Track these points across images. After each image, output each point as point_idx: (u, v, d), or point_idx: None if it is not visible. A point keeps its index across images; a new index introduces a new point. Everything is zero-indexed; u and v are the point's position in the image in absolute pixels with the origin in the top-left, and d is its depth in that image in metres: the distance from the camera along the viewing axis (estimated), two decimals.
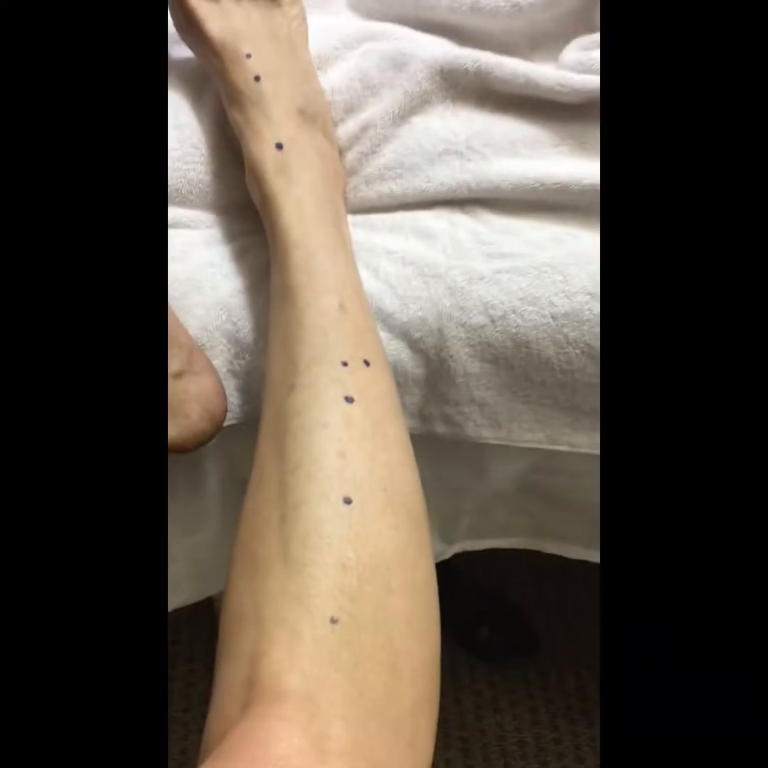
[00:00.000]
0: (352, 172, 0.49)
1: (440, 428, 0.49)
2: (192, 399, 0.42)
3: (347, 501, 0.33)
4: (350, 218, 0.48)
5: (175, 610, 0.58)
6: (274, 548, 0.32)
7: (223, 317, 0.45)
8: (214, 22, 0.47)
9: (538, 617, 0.99)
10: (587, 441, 0.49)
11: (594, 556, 0.64)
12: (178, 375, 0.42)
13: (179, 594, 0.57)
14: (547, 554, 0.66)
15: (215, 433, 0.44)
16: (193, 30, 0.48)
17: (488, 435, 0.49)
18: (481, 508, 0.60)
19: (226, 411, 0.44)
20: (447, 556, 0.64)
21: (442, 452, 0.51)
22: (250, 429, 0.46)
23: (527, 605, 1.00)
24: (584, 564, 0.65)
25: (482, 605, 0.97)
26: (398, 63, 0.48)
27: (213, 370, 0.45)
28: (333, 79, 0.49)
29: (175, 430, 0.42)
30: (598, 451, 0.50)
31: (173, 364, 0.42)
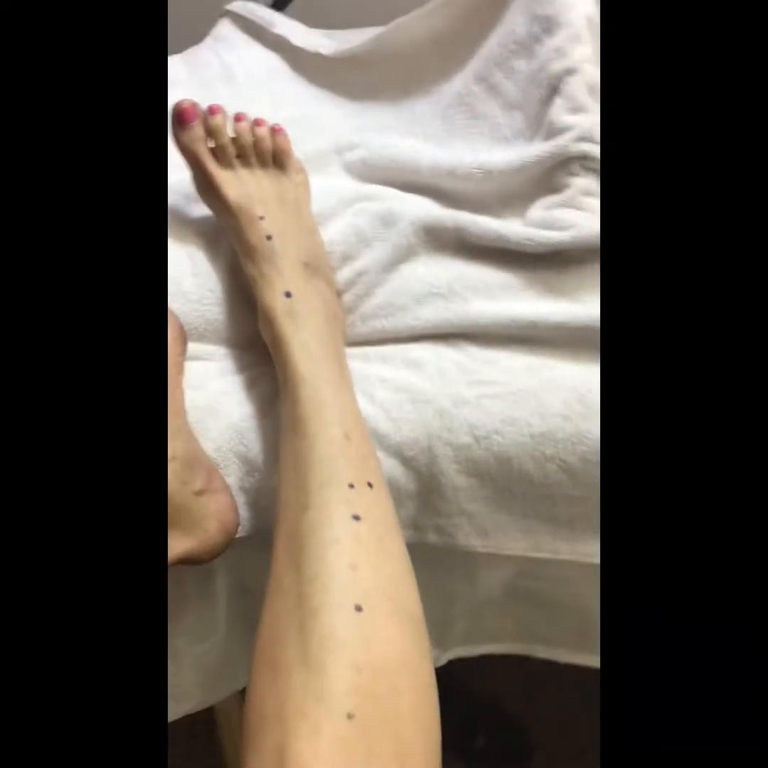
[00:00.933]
0: (348, 311, 0.56)
1: (433, 538, 0.53)
2: (211, 515, 0.47)
3: (358, 609, 0.36)
4: (347, 350, 0.54)
5: None
6: (293, 652, 0.36)
7: (236, 439, 0.51)
8: (231, 187, 0.54)
9: (532, 724, 0.99)
10: (567, 548, 0.54)
11: (582, 658, 0.67)
12: (200, 493, 0.47)
13: (188, 701, 0.59)
14: (541, 661, 0.68)
15: (228, 545, 0.49)
16: (212, 193, 0.55)
17: (477, 543, 0.53)
18: (472, 613, 0.63)
19: (238, 525, 0.49)
20: (442, 662, 0.67)
21: (435, 560, 0.55)
22: (257, 540, 0.51)
23: (522, 713, 1.00)
24: (576, 670, 0.68)
25: (478, 714, 0.98)
26: (388, 221, 0.55)
27: (228, 489, 0.50)
28: (331, 233, 0.57)
29: (194, 543, 0.46)
30: (578, 558, 0.54)
31: (196, 483, 0.47)
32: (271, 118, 0.59)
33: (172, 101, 0.55)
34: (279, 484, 0.44)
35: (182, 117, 0.55)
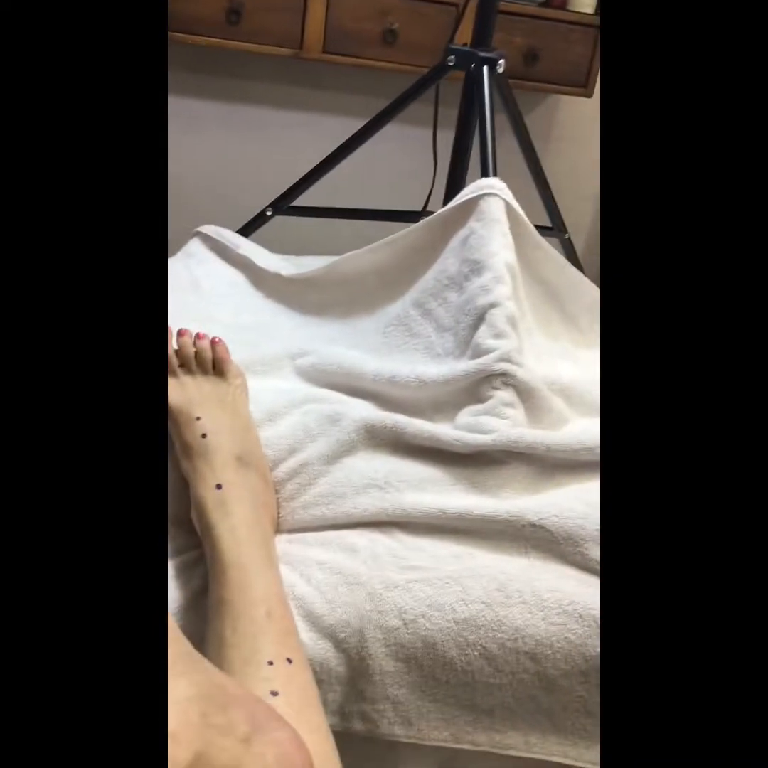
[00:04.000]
0: (290, 498, 0.60)
1: (357, 725, 0.54)
2: (274, 764, 0.34)
3: None
4: (287, 536, 0.59)
5: None
6: None
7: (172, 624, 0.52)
8: (173, 392, 0.61)
9: None
10: (486, 740, 0.55)
11: None
12: (248, 738, 0.34)
13: None
14: None
15: None
16: None
17: (400, 733, 0.54)
18: None
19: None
20: None
21: (357, 755, 0.56)
22: None
23: None
24: None
25: None
26: (333, 419, 0.62)
27: (282, 719, 0.38)
28: (281, 428, 0.63)
29: None
30: (496, 749, 0.55)
31: (238, 725, 0.35)
32: (231, 324, 0.67)
33: None
34: None
35: None
